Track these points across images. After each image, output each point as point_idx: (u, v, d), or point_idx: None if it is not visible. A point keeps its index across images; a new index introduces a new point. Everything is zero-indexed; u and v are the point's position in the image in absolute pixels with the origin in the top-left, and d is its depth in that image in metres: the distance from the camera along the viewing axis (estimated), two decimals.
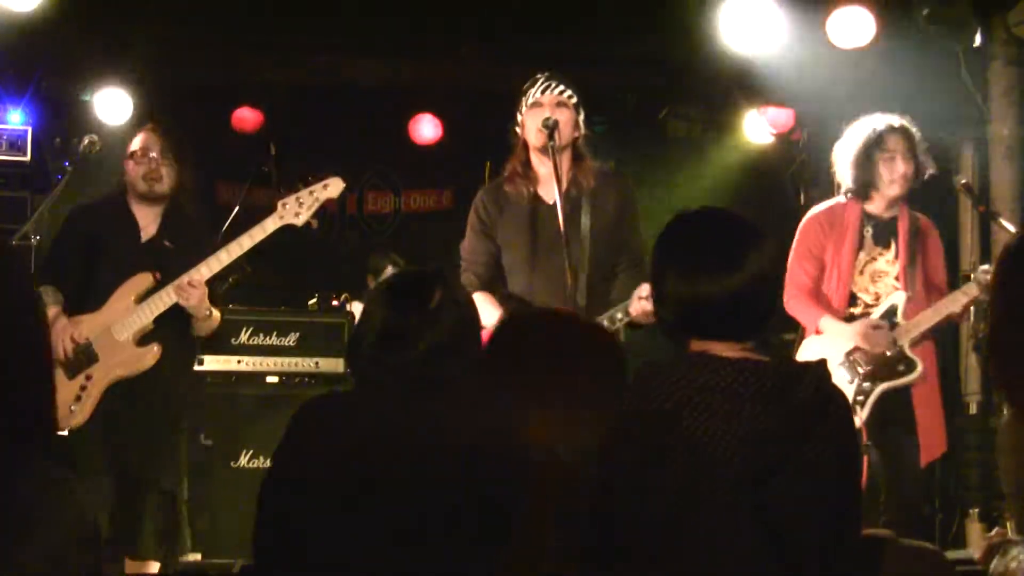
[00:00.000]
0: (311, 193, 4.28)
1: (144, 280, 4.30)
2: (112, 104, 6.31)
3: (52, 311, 4.28)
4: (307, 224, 4.28)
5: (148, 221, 4.44)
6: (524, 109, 4.09)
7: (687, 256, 2.30)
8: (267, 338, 5.40)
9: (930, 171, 4.57)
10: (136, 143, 4.43)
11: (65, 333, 4.24)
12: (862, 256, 4.53)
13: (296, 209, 4.25)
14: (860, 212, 4.55)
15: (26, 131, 6.38)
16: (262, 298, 6.31)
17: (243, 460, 5.18)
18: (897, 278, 4.52)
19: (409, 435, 2.45)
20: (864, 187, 4.54)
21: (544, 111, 4.01)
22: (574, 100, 4.08)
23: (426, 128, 7.60)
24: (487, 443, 2.51)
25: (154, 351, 4.27)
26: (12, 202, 6.19)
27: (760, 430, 2.17)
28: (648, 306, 3.75)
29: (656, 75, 6.99)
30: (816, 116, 4.79)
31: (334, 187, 4.29)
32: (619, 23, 6.30)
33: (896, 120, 4.56)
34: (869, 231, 4.55)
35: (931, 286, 4.57)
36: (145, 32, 6.25)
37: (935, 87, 6.09)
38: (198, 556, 5.00)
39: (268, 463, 5.06)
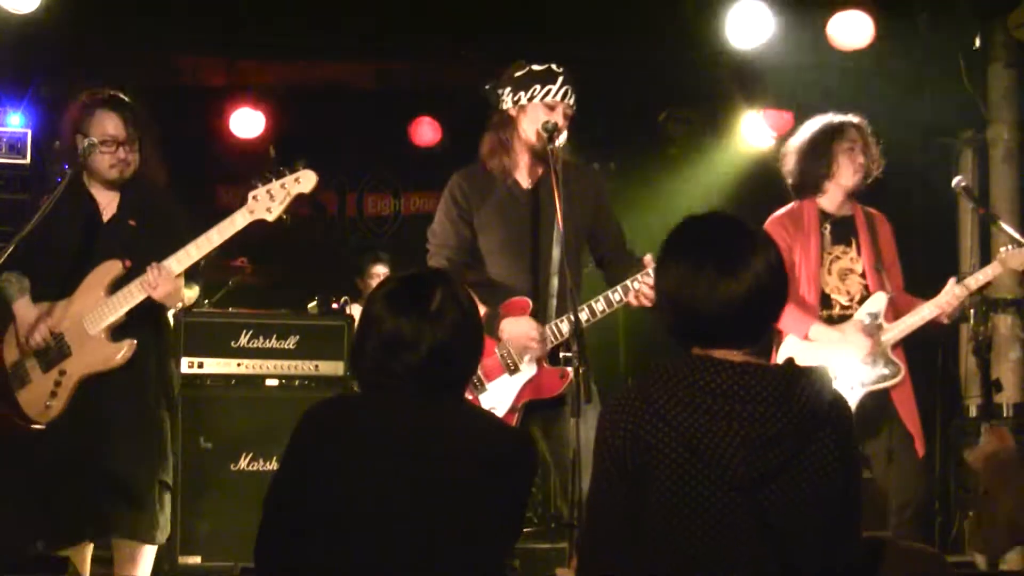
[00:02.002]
0: (283, 186, 4.04)
1: (113, 268, 4.13)
2: None
3: (20, 301, 4.15)
4: (279, 220, 4.05)
5: (107, 200, 4.26)
6: (535, 99, 3.99)
7: (687, 264, 2.27)
8: (267, 341, 5.39)
9: (877, 174, 4.56)
10: (99, 127, 4.17)
11: (42, 324, 4.10)
12: (825, 255, 4.52)
13: (267, 203, 4.03)
14: (817, 210, 4.55)
15: (25, 134, 6.38)
16: (262, 301, 6.30)
17: (243, 463, 5.17)
18: (863, 275, 4.52)
19: (417, 439, 2.45)
20: (819, 179, 4.53)
21: (553, 116, 3.95)
22: (573, 113, 4.07)
23: (425, 131, 7.61)
24: (497, 445, 2.51)
25: (127, 347, 4.11)
26: (11, 205, 6.19)
27: (762, 432, 2.17)
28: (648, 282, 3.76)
29: (656, 77, 6.99)
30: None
31: (306, 181, 4.03)
32: (619, 25, 6.30)
33: (854, 116, 4.58)
34: (828, 228, 4.55)
35: (893, 287, 4.56)
36: (144, 34, 6.25)
37: (935, 89, 6.10)
38: (197, 559, 4.99)
39: (268, 466, 5.10)
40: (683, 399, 2.21)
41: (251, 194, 4.06)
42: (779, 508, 2.18)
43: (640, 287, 3.82)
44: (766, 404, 2.19)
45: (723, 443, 2.17)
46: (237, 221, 4.06)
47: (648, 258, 3.81)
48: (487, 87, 4.14)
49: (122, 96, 4.28)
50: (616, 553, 2.24)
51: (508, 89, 4.06)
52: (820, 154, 4.53)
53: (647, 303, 3.83)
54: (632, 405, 2.23)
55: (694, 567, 2.17)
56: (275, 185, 4.04)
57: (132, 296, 4.09)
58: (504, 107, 4.08)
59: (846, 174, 4.50)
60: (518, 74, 4.05)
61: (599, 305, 3.87)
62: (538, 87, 3.99)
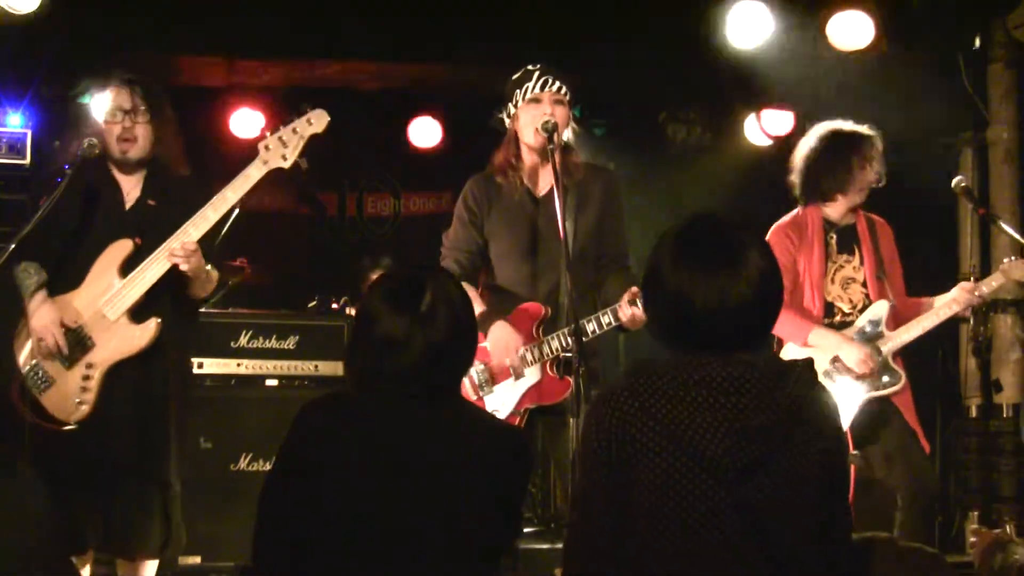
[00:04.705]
0: (295, 130, 3.92)
1: (123, 247, 3.98)
2: None
3: (37, 296, 3.98)
4: (296, 166, 3.91)
5: (131, 186, 4.12)
6: (520, 103, 4.04)
7: (674, 271, 2.26)
8: (266, 341, 5.40)
9: (882, 183, 4.54)
10: (108, 101, 4.10)
11: (56, 322, 3.93)
12: (829, 264, 4.50)
13: (281, 150, 3.89)
14: (821, 219, 4.53)
15: (25, 134, 6.37)
16: (261, 301, 6.30)
17: (243, 463, 5.18)
18: (865, 284, 4.51)
19: (412, 438, 2.45)
20: (830, 190, 4.50)
21: (542, 108, 3.98)
22: (568, 97, 4.07)
23: (426, 131, 7.61)
24: (492, 443, 2.50)
25: (153, 326, 3.93)
26: (11, 205, 6.18)
27: (746, 423, 2.17)
28: (638, 311, 3.73)
29: (656, 78, 6.99)
30: (816, 119, 4.77)
31: (319, 121, 3.90)
32: (618, 26, 6.30)
33: (867, 128, 4.55)
34: (833, 238, 4.54)
35: (895, 293, 4.55)
36: (144, 34, 6.25)
37: (935, 90, 6.09)
38: (197, 559, 4.99)
39: (268, 466, 5.10)
40: (668, 392, 2.20)
41: (262, 144, 3.94)
42: (764, 502, 2.17)
43: (633, 311, 3.76)
44: (751, 395, 2.19)
45: (707, 433, 2.17)
46: (251, 174, 3.93)
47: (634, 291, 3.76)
48: (493, 119, 4.18)
49: (135, 77, 4.19)
50: (602, 549, 2.23)
51: (504, 108, 4.13)
52: (835, 165, 4.49)
53: (633, 327, 3.80)
54: (617, 399, 2.23)
55: (680, 562, 2.17)
56: (286, 131, 3.93)
57: (152, 272, 3.93)
58: (507, 125, 4.13)
59: (857, 189, 4.48)
60: (506, 91, 4.11)
61: (590, 326, 3.84)
62: (519, 90, 4.05)
